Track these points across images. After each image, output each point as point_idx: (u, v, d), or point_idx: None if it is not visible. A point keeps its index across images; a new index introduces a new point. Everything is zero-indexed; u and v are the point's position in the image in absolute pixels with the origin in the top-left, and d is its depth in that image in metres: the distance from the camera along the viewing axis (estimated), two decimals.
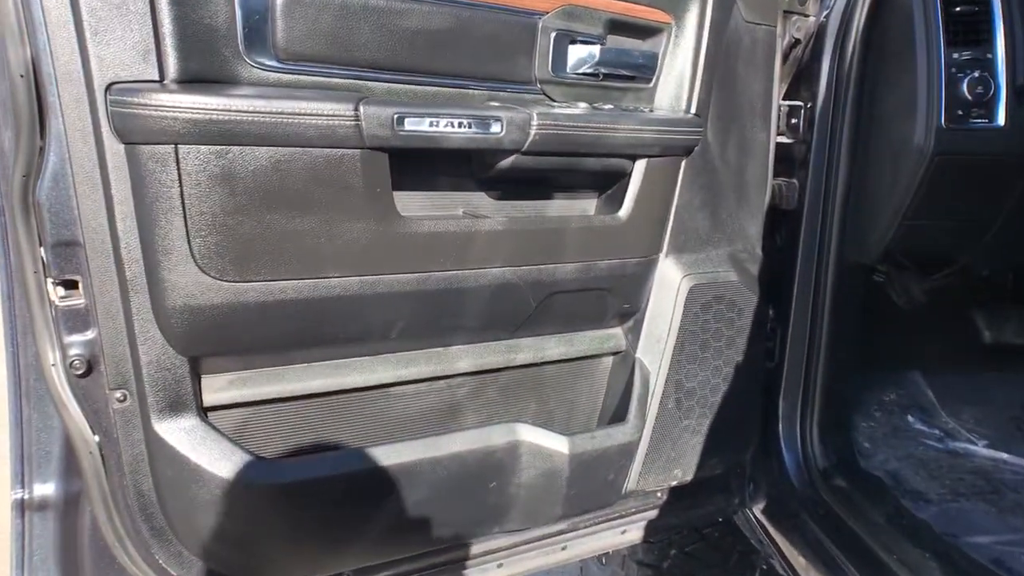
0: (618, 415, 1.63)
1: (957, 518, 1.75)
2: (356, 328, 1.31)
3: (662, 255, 1.62)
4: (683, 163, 1.57)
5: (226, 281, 1.15)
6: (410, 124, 1.19)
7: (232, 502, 1.23)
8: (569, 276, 1.47)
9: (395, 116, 1.17)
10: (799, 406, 1.96)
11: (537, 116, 1.28)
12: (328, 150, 1.15)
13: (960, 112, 1.65)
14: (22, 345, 1.27)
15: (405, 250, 1.28)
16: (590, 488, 1.59)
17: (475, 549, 1.62)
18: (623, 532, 1.87)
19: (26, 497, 1.28)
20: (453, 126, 1.23)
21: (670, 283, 1.62)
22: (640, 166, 1.48)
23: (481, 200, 1.46)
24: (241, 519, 1.27)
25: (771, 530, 1.93)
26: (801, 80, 1.84)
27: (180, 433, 1.20)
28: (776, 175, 1.85)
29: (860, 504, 1.75)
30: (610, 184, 1.53)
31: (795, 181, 1.89)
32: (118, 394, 1.19)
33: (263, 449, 1.33)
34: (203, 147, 1.07)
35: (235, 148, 1.09)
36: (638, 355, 1.65)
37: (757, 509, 2.04)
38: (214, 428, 1.24)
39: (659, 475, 1.70)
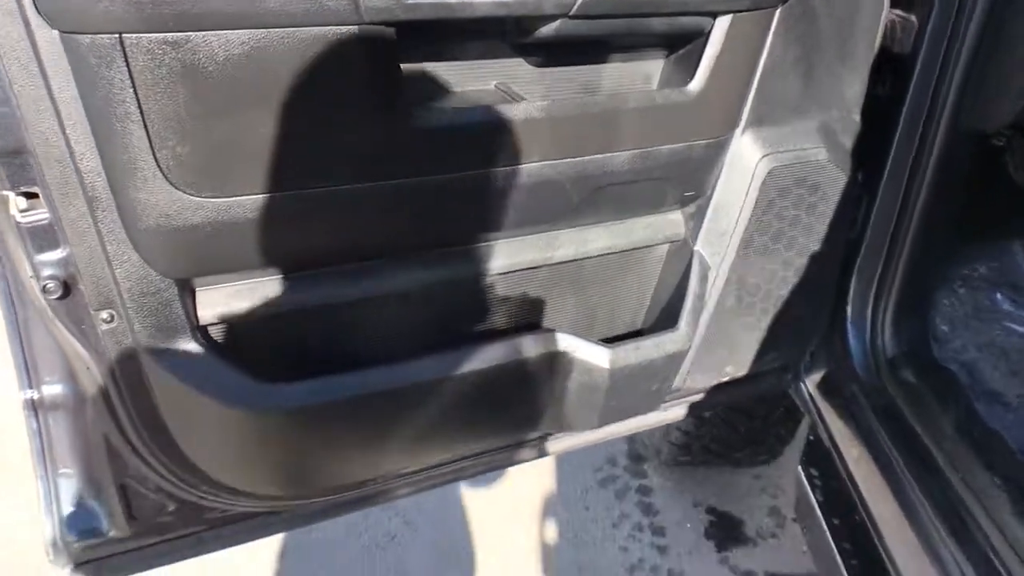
0: (668, 314, 1.45)
1: None
2: (362, 242, 1.13)
3: (738, 131, 1.34)
4: (776, 13, 1.24)
5: (204, 197, 0.96)
6: None
7: (233, 426, 1.15)
8: (621, 167, 1.22)
9: None
10: (875, 285, 1.73)
11: None
12: (316, 29, 0.89)
13: None
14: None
15: (418, 150, 1.05)
16: (631, 399, 1.46)
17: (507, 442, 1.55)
18: (665, 411, 1.77)
19: (36, 397, 1.23)
20: None
21: (745, 165, 1.35)
22: (722, 24, 1.16)
23: (519, 68, 1.18)
24: (245, 442, 1.20)
25: (825, 413, 1.81)
26: None
27: (173, 356, 1.09)
28: (892, 5, 1.46)
29: (928, 404, 1.59)
30: (681, 44, 1.22)
31: (912, 18, 1.49)
32: (104, 315, 1.06)
33: (270, 366, 1.20)
34: (155, 36, 0.83)
35: (196, 35, 0.85)
36: (697, 247, 1.43)
37: (812, 384, 1.90)
38: (212, 348, 1.12)
39: (708, 374, 1.56)
